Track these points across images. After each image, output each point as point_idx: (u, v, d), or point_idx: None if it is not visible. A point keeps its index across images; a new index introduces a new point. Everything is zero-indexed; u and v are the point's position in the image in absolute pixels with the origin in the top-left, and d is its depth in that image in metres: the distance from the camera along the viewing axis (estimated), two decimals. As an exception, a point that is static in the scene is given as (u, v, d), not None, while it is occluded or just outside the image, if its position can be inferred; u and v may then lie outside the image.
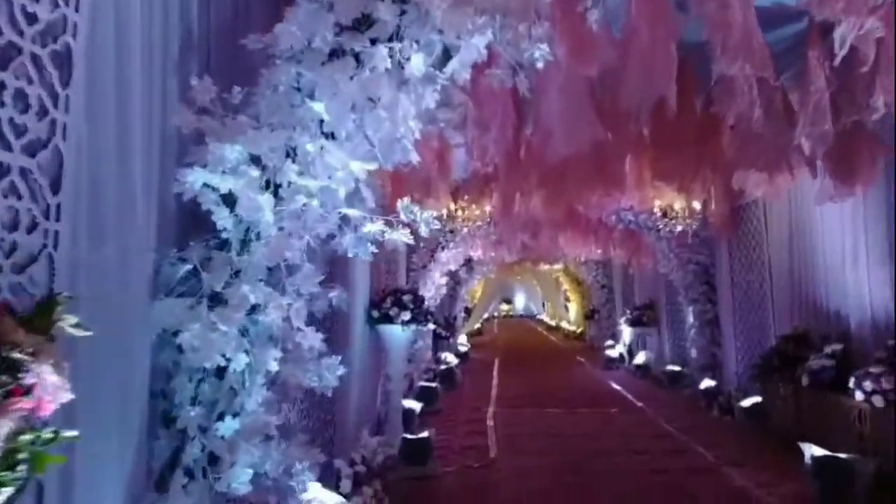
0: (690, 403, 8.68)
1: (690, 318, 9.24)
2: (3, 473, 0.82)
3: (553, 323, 27.71)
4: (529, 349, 19.73)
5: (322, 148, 2.33)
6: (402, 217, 2.51)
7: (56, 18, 1.76)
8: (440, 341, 12.47)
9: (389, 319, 6.08)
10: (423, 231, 2.56)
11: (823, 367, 5.60)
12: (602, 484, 5.19)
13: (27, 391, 0.89)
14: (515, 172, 5.20)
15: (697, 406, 8.35)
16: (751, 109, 3.91)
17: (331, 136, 2.43)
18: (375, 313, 6.11)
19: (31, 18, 1.68)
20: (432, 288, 8.75)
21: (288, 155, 2.35)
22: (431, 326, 8.91)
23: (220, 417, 2.35)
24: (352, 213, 2.51)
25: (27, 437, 0.88)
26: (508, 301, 39.49)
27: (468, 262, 13.67)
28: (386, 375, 6.48)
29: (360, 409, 5.71)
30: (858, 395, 4.96)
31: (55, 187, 1.77)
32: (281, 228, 2.38)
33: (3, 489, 0.83)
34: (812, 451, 4.70)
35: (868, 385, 4.86)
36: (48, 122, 1.75)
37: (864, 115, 3.77)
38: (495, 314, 36.50)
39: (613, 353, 13.76)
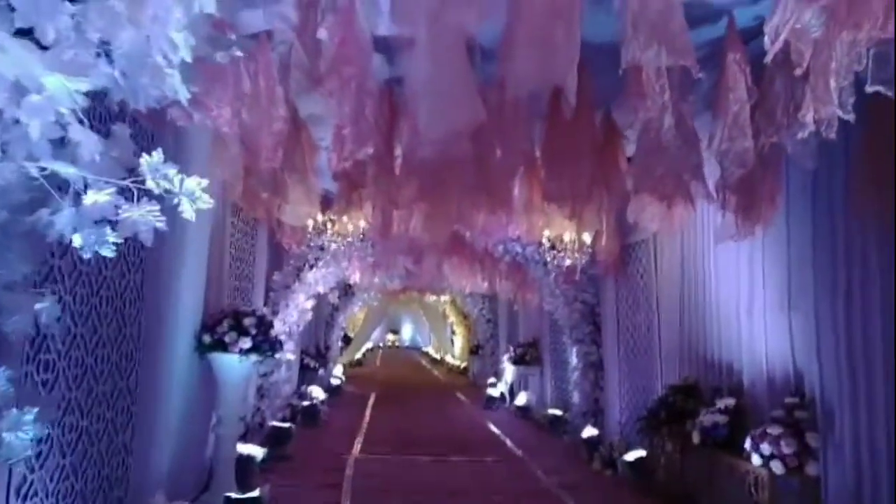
0: (571, 452, 8.04)
1: (574, 360, 8.70)
2: None
3: (438, 356, 26.94)
4: (410, 384, 18.74)
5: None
6: (150, 183, 1.53)
7: None
8: (308, 372, 11.24)
9: (224, 347, 4.95)
10: (187, 210, 1.59)
11: (716, 423, 5.07)
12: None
13: None
14: (387, 177, 4.34)
15: (579, 456, 7.72)
16: (661, 116, 3.28)
17: (30, 36, 1.43)
18: (207, 339, 4.96)
19: None
20: (295, 312, 7.64)
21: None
22: (290, 356, 7.76)
23: None
24: (60, 168, 1.50)
25: None
26: (395, 331, 38.46)
27: (347, 288, 12.63)
28: (217, 417, 5.29)
29: (178, 458, 4.51)
30: (755, 460, 4.41)
31: None
32: None
33: None
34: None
35: (766, 448, 4.33)
36: None
37: (783, 136, 3.22)
38: (380, 344, 35.32)
39: (495, 391, 13.10)
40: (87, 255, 1.58)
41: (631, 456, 6.39)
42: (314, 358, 11.61)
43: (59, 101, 1.42)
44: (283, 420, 7.72)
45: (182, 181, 1.55)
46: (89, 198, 1.52)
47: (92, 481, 3.43)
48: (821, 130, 2.82)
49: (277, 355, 5.61)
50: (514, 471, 7.30)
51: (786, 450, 4.21)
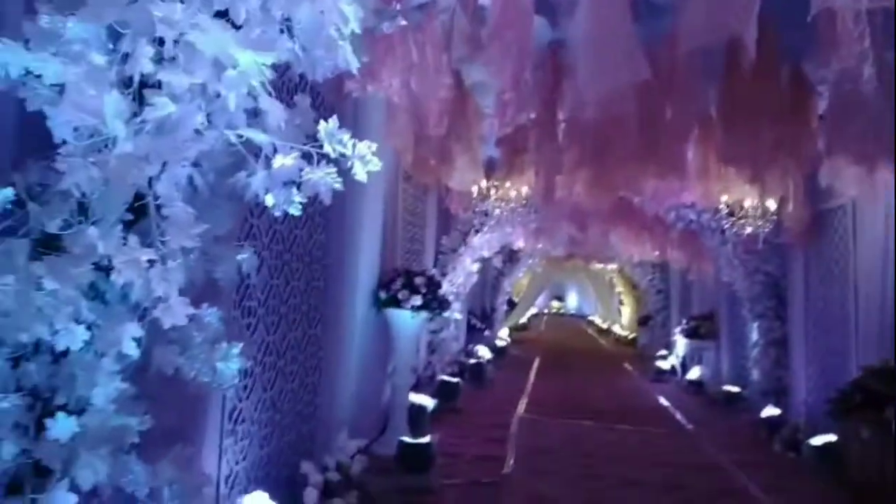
0: (747, 432, 7.55)
1: (755, 335, 8.10)
2: None
3: (604, 326, 26.40)
4: (575, 350, 18.64)
5: (197, 26, 1.54)
6: (327, 148, 1.71)
7: None
8: (475, 333, 11.64)
9: (397, 303, 5.31)
10: (359, 173, 1.75)
11: (921, 411, 4.49)
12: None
13: None
14: (549, 144, 4.32)
15: (757, 436, 7.23)
16: (859, 66, 2.91)
17: (226, 17, 1.65)
18: (383, 295, 5.35)
19: None
20: (462, 274, 7.93)
21: (155, 40, 1.59)
22: (458, 315, 8.11)
23: (51, 413, 1.64)
24: (253, 135, 1.73)
25: None
26: (560, 298, 38.28)
27: (511, 253, 12.80)
28: (393, 367, 5.72)
29: (358, 401, 4.98)
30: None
31: None
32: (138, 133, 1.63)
33: None
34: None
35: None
36: None
37: None
38: (545, 311, 35.38)
39: (665, 364, 12.62)
40: (277, 213, 1.80)
41: (819, 440, 5.87)
42: (480, 319, 11.99)
43: (250, 75, 1.63)
44: (452, 375, 8.11)
45: (354, 145, 1.71)
46: (277, 161, 1.73)
47: (287, 415, 3.92)
48: None
49: (445, 313, 5.91)
50: (684, 444, 7.04)
51: None
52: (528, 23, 2.50)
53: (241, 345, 1.95)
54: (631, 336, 20.73)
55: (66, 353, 1.67)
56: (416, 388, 6.57)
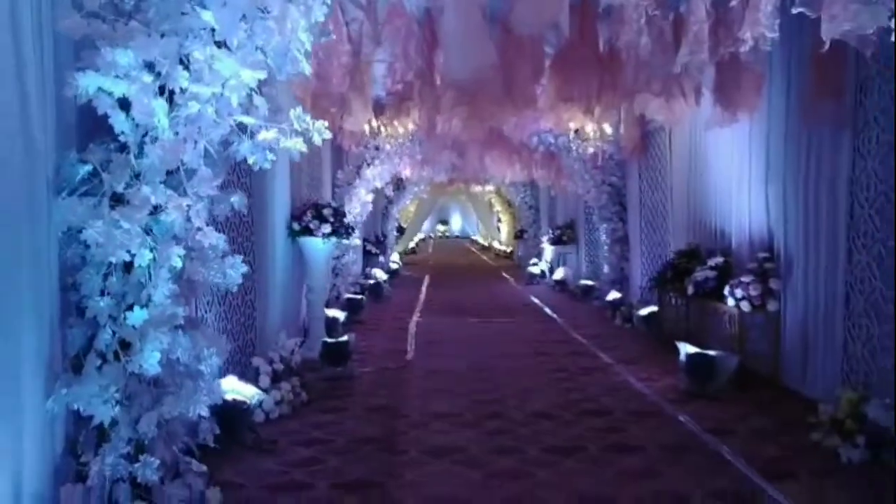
0: (598, 314, 9.39)
1: (603, 237, 9.83)
2: None
3: (486, 243, 28.43)
4: (460, 267, 20.35)
5: (212, 56, 2.47)
6: (295, 125, 2.71)
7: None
8: (371, 258, 12.78)
9: (310, 232, 6.29)
10: (316, 139, 2.77)
11: (706, 277, 6.21)
12: (503, 381, 5.73)
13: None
14: (430, 92, 5.38)
15: (604, 316, 9.06)
16: (638, 37, 4.19)
17: (223, 45, 2.57)
18: (296, 226, 6.30)
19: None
20: (358, 205, 8.95)
21: (181, 62, 2.49)
22: (357, 241, 9.16)
23: (130, 308, 2.58)
24: (246, 120, 2.69)
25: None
26: (445, 222, 40.03)
27: (399, 182, 13.84)
28: (308, 286, 6.75)
29: (282, 314, 6.00)
30: (730, 302, 5.59)
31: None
32: (176, 133, 2.55)
33: None
34: (686, 349, 5.32)
35: (738, 292, 5.49)
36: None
37: (737, 47, 4.10)
38: (431, 235, 37.00)
39: (536, 270, 14.45)
40: (255, 168, 2.79)
41: (644, 311, 7.65)
42: (374, 245, 13.11)
43: (246, 84, 2.58)
44: (355, 293, 9.25)
45: (313, 122, 2.72)
46: (262, 135, 2.71)
47: (235, 325, 4.90)
48: (758, 45, 3.73)
49: (350, 239, 6.96)
50: (549, 328, 8.71)
51: (752, 292, 5.35)
52: (410, 20, 3.49)
53: (241, 257, 2.95)
54: (509, 250, 22.74)
55: (129, 269, 2.61)
56: (326, 305, 7.65)
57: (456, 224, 40.83)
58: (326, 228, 6.34)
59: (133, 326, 2.56)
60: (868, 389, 3.97)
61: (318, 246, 6.44)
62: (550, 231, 12.93)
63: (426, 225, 31.64)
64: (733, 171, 6.20)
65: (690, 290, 6.33)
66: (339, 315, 7.43)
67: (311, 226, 6.30)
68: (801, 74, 4.78)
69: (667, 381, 5.56)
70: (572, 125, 7.89)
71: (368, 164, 8.85)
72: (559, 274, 12.66)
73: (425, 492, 3.36)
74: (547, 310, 10.25)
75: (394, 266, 15.73)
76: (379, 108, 7.24)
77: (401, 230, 20.69)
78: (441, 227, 40.23)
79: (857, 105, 4.37)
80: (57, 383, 2.44)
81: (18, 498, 2.25)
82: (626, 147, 8.48)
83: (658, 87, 5.13)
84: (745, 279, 5.49)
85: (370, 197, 9.40)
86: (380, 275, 12.05)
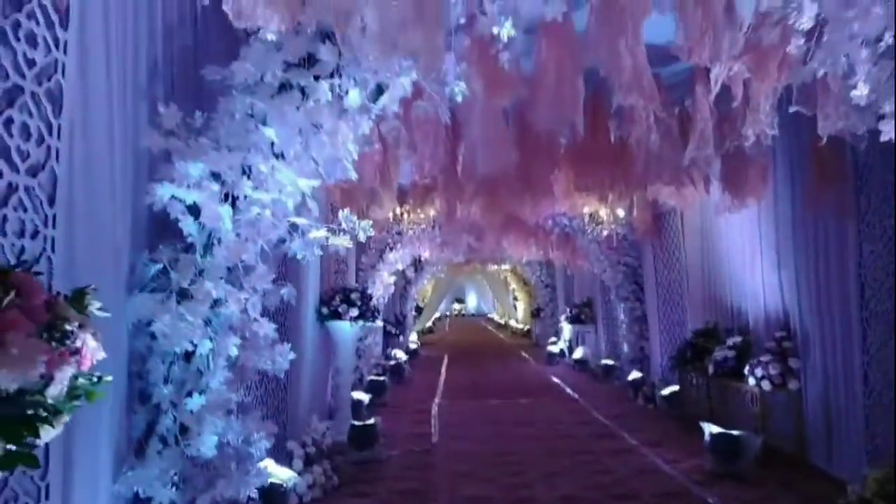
0: (619, 394, 9.40)
1: (622, 316, 9.97)
2: (66, 404, 1.28)
3: (502, 321, 28.46)
4: (478, 346, 20.37)
5: (273, 167, 2.80)
6: (343, 225, 3.00)
7: (49, 61, 2.17)
8: (390, 338, 12.94)
9: (338, 316, 6.53)
10: (361, 237, 3.05)
11: (725, 357, 6.32)
12: (530, 463, 5.78)
13: (75, 352, 1.36)
14: (453, 184, 5.74)
15: (626, 396, 9.07)
16: (648, 134, 4.54)
17: (280, 156, 2.91)
18: (325, 310, 6.55)
19: (31, 63, 2.10)
20: (381, 287, 9.22)
21: (244, 172, 2.83)
22: (380, 323, 9.36)
23: (189, 394, 2.80)
24: (299, 221, 2.99)
25: (82, 380, 1.34)
26: (461, 300, 40.16)
27: (417, 262, 14.17)
28: (336, 368, 6.93)
29: (312, 397, 6.16)
30: (751, 381, 5.68)
31: (51, 201, 2.19)
32: (238, 234, 2.85)
33: (64, 416, 1.29)
34: (710, 429, 5.38)
35: (759, 372, 5.59)
36: (45, 147, 2.17)
37: (741, 141, 4.43)
38: (447, 313, 37.07)
39: (555, 348, 14.49)
40: (302, 261, 3.07)
41: (666, 391, 7.69)
42: (394, 325, 13.29)
43: (299, 190, 2.90)
44: (378, 375, 9.37)
45: (358, 223, 3.02)
46: (313, 233, 3.01)
47: (270, 407, 5.07)
48: (760, 140, 4.04)
49: (377, 321, 7.18)
50: (572, 408, 8.73)
51: (772, 371, 5.45)
52: (439, 126, 3.86)
53: (289, 345, 3.18)
54: (526, 328, 22.76)
55: (190, 359, 2.85)
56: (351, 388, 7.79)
57: (471, 302, 40.96)
58: (354, 312, 6.58)
59: (191, 411, 2.77)
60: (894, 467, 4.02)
61: (346, 329, 6.66)
62: (568, 309, 13.08)
63: (442, 304, 31.83)
64: (746, 253, 6.43)
65: (710, 369, 6.43)
66: (364, 397, 7.54)
67: (340, 310, 6.54)
68: (803, 164, 5.08)
69: (692, 462, 5.58)
70: (586, 210, 8.22)
71: (391, 248, 9.18)
72: (579, 353, 12.70)
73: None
74: (568, 390, 10.27)
75: (413, 346, 15.83)
76: (402, 196, 7.64)
77: (418, 310, 20.88)
78: (457, 306, 40.34)
79: (859, 192, 4.63)
80: (123, 467, 2.63)
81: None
82: (639, 229, 8.76)
83: (668, 178, 5.46)
84: (763, 358, 5.60)
85: (392, 279, 9.68)
86: (400, 355, 12.17)
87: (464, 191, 5.91)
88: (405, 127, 3.73)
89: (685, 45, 3.16)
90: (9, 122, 2.02)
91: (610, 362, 10.94)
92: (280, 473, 4.26)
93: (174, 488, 2.66)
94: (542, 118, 3.95)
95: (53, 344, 1.26)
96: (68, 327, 1.35)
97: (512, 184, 5.42)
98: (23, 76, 2.10)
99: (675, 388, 7.61)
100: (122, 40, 2.60)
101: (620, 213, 8.13)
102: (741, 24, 3.10)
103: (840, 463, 4.86)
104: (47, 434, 1.21)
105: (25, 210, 2.12)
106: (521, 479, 5.27)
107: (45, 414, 1.19)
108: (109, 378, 1.54)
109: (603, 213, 8.17)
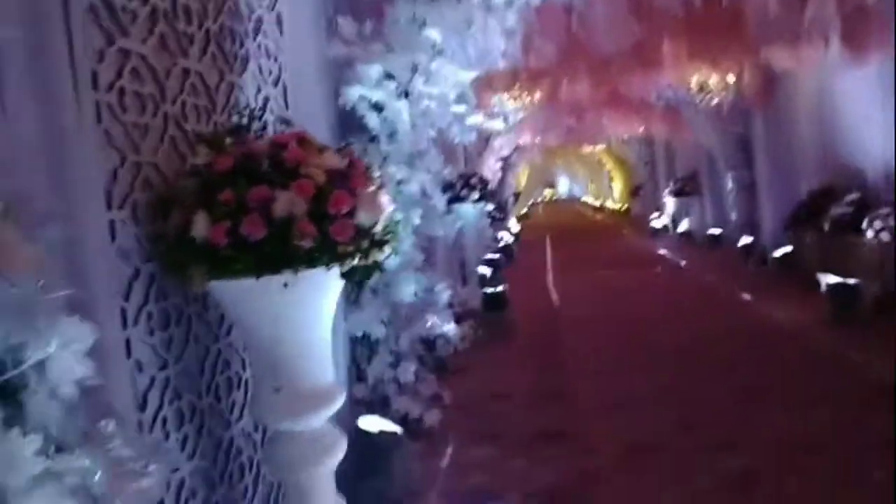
0: (729, 260, 9.67)
1: (730, 184, 10.01)
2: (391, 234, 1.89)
3: (598, 203, 28.46)
4: (577, 228, 20.78)
5: (437, 63, 3.28)
6: (496, 110, 3.48)
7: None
8: (495, 223, 13.55)
9: (462, 199, 7.13)
10: (511, 120, 3.52)
11: (843, 213, 6.45)
12: (648, 322, 6.35)
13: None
14: (567, 64, 6.01)
15: (736, 262, 9.33)
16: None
17: (441, 52, 3.37)
18: (450, 194, 7.16)
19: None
20: (489, 173, 9.70)
21: (414, 70, 3.32)
22: (491, 206, 9.94)
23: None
24: (460, 109, 3.49)
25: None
26: (551, 185, 40.12)
27: (515, 149, 14.45)
28: (462, 245, 7.65)
29: (449, 268, 6.93)
30: (869, 234, 5.85)
31: (287, 105, 2.78)
32: (413, 125, 3.39)
33: (387, 247, 1.89)
34: (827, 279, 5.68)
35: (878, 224, 5.75)
36: (278, 64, 2.74)
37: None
38: (538, 199, 37.30)
39: (658, 224, 14.66)
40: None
41: (779, 252, 7.91)
42: (498, 210, 13.86)
43: (459, 82, 3.38)
44: (493, 253, 10.09)
45: (506, 106, 3.48)
46: (471, 119, 3.51)
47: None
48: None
49: (492, 203, 7.75)
50: (682, 276, 9.16)
51: (892, 223, 5.60)
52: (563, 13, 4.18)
53: (454, 215, 3.79)
54: (624, 208, 22.78)
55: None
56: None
57: (563, 187, 40.83)
58: (475, 195, 7.16)
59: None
60: None
61: (470, 210, 7.28)
62: (671, 183, 13.11)
63: (535, 190, 32.05)
64: (864, 112, 6.36)
65: (826, 227, 6.59)
66: (486, 271, 8.28)
67: (462, 194, 7.13)
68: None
69: (810, 314, 5.93)
70: (695, 78, 8.18)
71: (497, 135, 9.55)
72: (684, 225, 12.87)
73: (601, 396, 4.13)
74: (677, 260, 10.61)
75: (515, 230, 16.44)
76: (511, 80, 7.92)
77: (515, 196, 21.30)
78: (548, 192, 40.37)
79: None
80: (346, 310, 3.39)
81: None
82: (750, 95, 8.62)
83: (786, 39, 5.48)
84: (883, 211, 5.73)
85: (498, 165, 10.13)
86: (507, 237, 12.81)
87: (577, 70, 6.16)
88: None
89: None
90: (259, 46, 2.60)
91: (717, 231, 11.10)
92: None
93: (384, 326, 3.41)
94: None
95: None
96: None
97: (625, 59, 5.63)
98: (261, 7, 2.65)
99: (789, 248, 7.80)
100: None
101: (731, 79, 8.04)
102: None
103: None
104: (382, 254, 1.83)
105: (272, 112, 2.74)
106: (640, 332, 5.86)
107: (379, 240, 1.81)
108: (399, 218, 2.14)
109: (712, 81, 8.10)
